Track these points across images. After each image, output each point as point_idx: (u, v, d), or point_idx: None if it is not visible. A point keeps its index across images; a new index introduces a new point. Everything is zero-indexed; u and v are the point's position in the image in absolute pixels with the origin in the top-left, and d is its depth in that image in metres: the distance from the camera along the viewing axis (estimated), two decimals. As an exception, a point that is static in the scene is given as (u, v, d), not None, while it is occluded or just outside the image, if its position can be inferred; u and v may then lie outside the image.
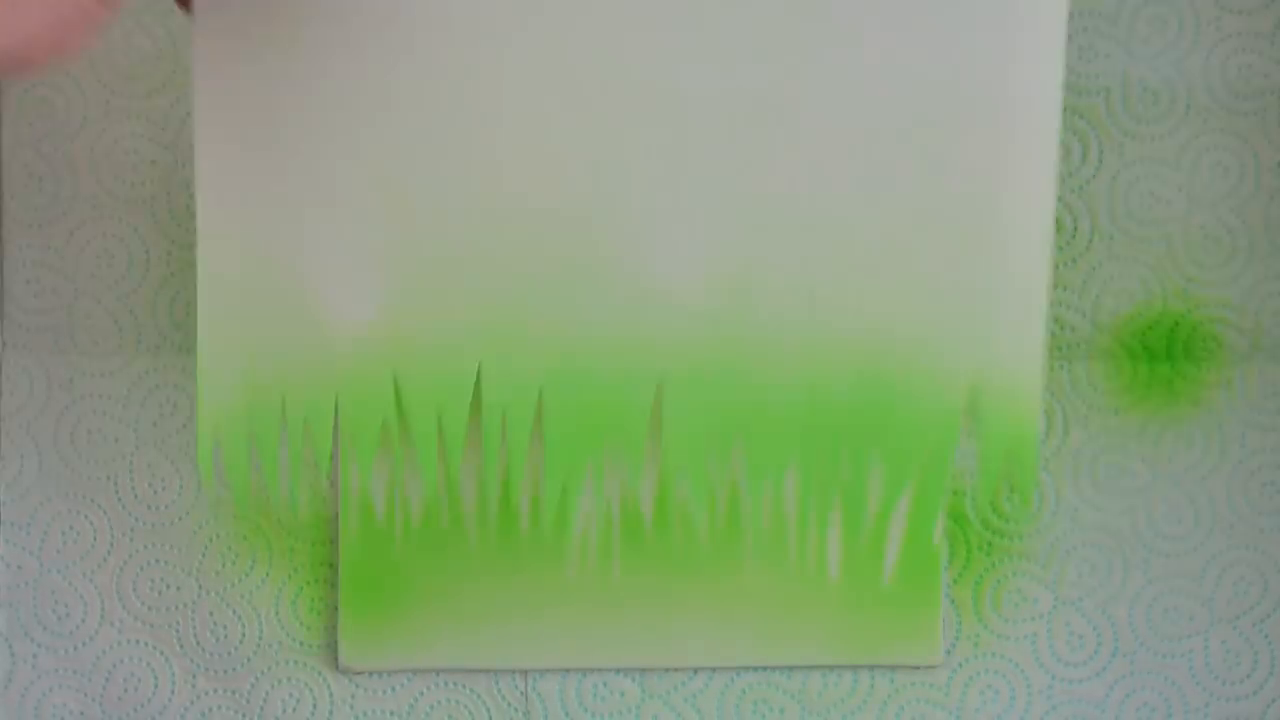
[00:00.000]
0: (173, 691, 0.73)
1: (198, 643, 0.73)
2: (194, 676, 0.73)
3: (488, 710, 0.73)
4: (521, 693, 0.73)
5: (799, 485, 0.72)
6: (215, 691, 0.73)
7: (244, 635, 0.73)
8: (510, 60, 0.62)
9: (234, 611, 0.73)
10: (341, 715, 0.73)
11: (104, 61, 0.71)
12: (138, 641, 0.73)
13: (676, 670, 0.74)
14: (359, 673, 0.73)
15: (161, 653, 0.73)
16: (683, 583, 0.73)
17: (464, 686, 0.73)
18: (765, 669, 0.74)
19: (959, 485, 0.74)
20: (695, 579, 0.73)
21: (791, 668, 0.74)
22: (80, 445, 0.72)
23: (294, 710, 0.73)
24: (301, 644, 0.73)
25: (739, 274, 0.63)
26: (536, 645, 0.72)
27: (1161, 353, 0.74)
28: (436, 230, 0.63)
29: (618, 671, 0.74)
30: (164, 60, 0.71)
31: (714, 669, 0.74)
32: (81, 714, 0.73)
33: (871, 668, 0.74)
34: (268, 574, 0.73)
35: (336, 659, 0.73)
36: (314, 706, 0.73)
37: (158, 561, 0.72)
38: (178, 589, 0.73)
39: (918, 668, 0.74)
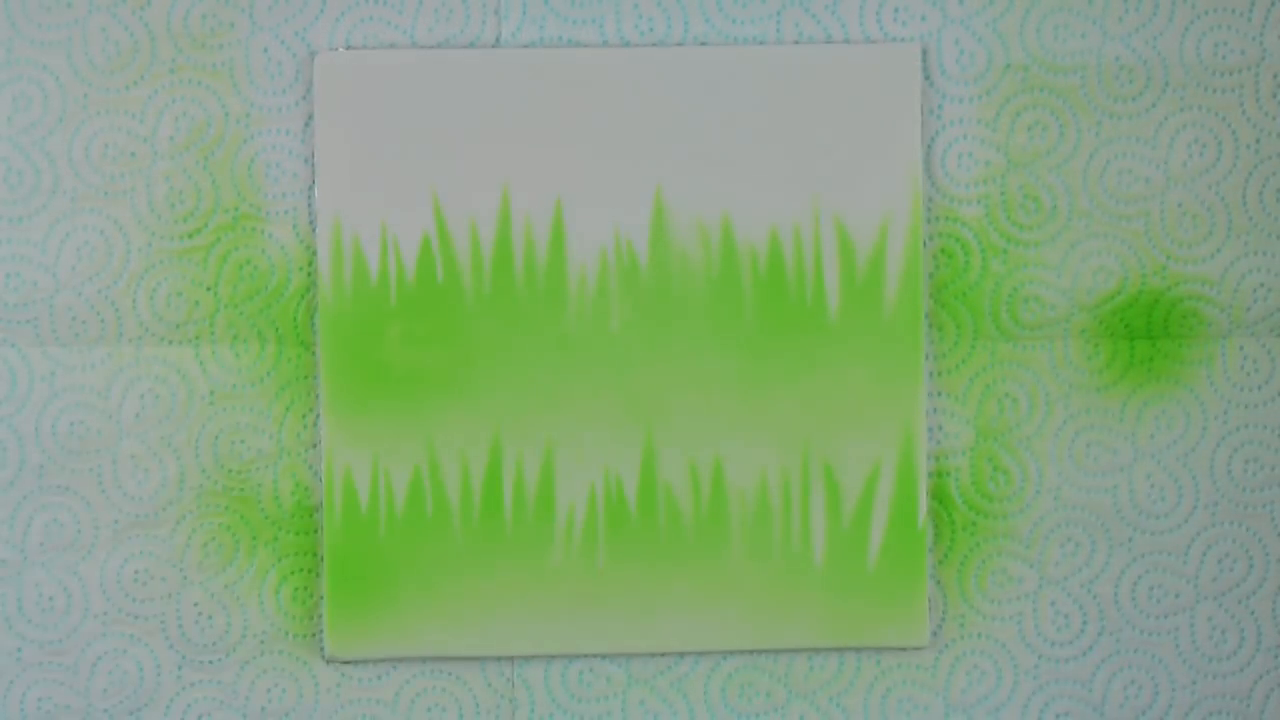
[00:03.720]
0: (158, 682, 0.73)
1: (183, 634, 0.73)
2: (179, 667, 0.73)
3: (474, 697, 0.73)
4: (508, 680, 0.73)
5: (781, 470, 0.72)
6: (201, 682, 0.73)
7: (229, 626, 0.73)
8: None
9: (219, 602, 0.73)
10: (327, 704, 0.73)
11: (81, 55, 0.71)
12: (122, 633, 0.73)
13: (663, 655, 0.74)
14: (345, 662, 0.73)
15: (146, 644, 0.73)
16: (668, 568, 0.73)
17: (450, 674, 0.73)
18: (751, 653, 0.74)
19: (943, 466, 0.74)
20: (681, 565, 0.73)
21: (778, 651, 0.74)
22: (62, 438, 0.72)
23: (280, 699, 0.73)
24: (287, 634, 0.73)
25: None
26: (522, 632, 0.72)
27: (1141, 330, 0.74)
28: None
29: (603, 657, 0.74)
30: (141, 53, 0.72)
31: (700, 654, 0.74)
32: (67, 707, 0.73)
33: (858, 650, 0.74)
34: (252, 564, 0.73)
35: (322, 648, 0.73)
36: (300, 696, 0.73)
37: (142, 553, 0.72)
38: (162, 580, 0.73)
39: (904, 649, 0.74)
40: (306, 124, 0.72)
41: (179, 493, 0.73)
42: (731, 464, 0.72)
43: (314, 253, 0.72)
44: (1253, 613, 0.75)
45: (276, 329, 0.72)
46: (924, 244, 0.73)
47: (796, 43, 0.73)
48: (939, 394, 0.74)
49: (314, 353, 0.73)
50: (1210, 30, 0.73)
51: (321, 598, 0.73)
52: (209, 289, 0.72)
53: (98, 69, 0.71)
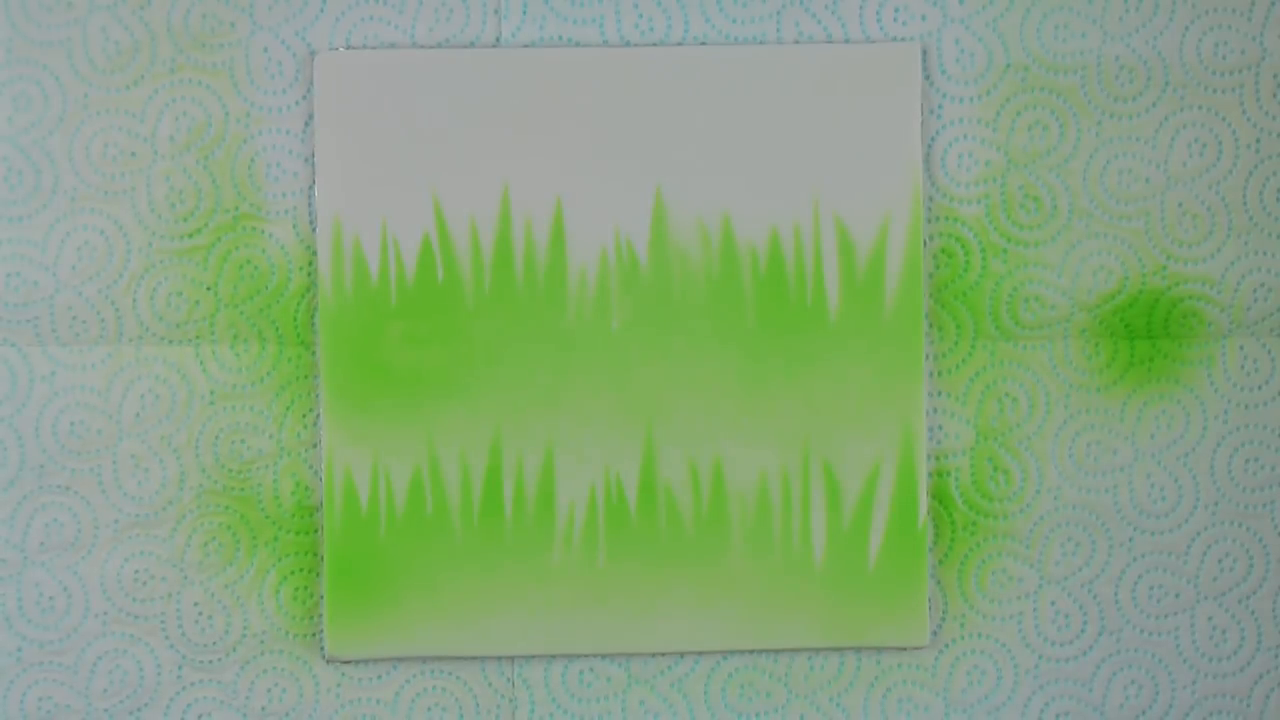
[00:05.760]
0: (158, 682, 0.73)
1: (183, 633, 0.73)
2: (180, 667, 0.73)
3: (474, 697, 0.73)
4: (508, 679, 0.73)
5: (781, 469, 0.72)
6: (201, 682, 0.73)
7: (229, 625, 0.73)
8: None
9: (219, 602, 0.73)
10: (327, 704, 0.73)
11: (81, 55, 0.71)
12: (122, 633, 0.73)
13: (662, 655, 0.74)
14: (345, 662, 0.73)
15: (146, 644, 0.73)
16: (668, 568, 0.73)
17: (450, 674, 0.73)
18: (751, 653, 0.74)
19: (943, 466, 0.74)
20: (681, 564, 0.73)
21: (778, 651, 0.74)
22: (62, 438, 0.72)
23: (280, 700, 0.73)
24: (287, 634, 0.73)
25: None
26: (522, 632, 0.72)
27: (1142, 330, 0.74)
28: None
29: (603, 657, 0.74)
30: (141, 53, 0.72)
31: (700, 653, 0.74)
32: (67, 706, 0.73)
33: (858, 650, 0.74)
34: (252, 564, 0.73)
35: (322, 648, 0.73)
36: (300, 696, 0.73)
37: (142, 553, 0.72)
38: (162, 580, 0.73)
39: (904, 649, 0.74)
40: (306, 124, 0.72)
41: (179, 493, 0.73)
42: (731, 464, 0.73)
43: (314, 253, 0.72)
44: (1253, 613, 0.75)
45: (276, 329, 0.72)
46: (924, 244, 0.73)
47: (796, 43, 0.73)
48: (939, 394, 0.74)
49: (314, 353, 0.73)
50: (1210, 30, 0.73)
51: (321, 598, 0.73)
52: (209, 289, 0.72)
53: (98, 69, 0.72)
